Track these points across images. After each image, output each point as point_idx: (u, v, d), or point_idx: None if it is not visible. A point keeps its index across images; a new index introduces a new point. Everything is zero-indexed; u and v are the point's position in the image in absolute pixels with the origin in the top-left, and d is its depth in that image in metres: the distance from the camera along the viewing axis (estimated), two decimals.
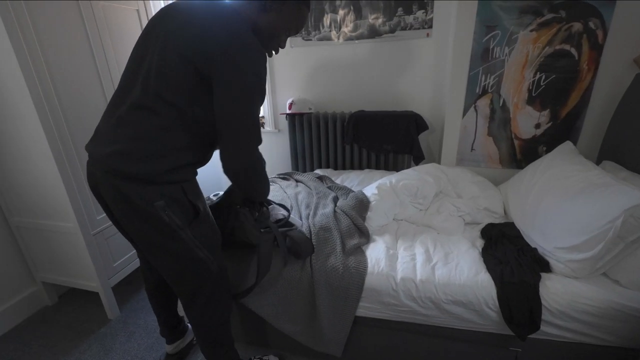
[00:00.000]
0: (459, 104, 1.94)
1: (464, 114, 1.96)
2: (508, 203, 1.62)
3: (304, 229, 1.44)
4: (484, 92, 1.89)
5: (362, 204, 1.58)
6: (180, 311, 1.46)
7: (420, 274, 1.22)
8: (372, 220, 1.53)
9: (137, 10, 1.88)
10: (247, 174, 1.04)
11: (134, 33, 1.84)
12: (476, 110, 1.94)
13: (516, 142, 1.94)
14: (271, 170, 2.66)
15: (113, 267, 1.78)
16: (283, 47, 1.08)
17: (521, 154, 1.96)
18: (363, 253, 1.35)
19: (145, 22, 1.90)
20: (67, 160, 1.50)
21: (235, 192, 1.28)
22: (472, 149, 2.03)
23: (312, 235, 1.38)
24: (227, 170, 1.01)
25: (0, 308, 1.72)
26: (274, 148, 2.61)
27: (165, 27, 0.93)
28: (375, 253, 1.34)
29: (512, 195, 1.62)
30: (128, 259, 1.86)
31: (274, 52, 1.08)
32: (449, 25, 1.99)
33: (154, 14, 1.13)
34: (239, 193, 1.28)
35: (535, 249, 1.28)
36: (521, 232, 1.42)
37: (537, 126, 1.88)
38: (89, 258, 1.63)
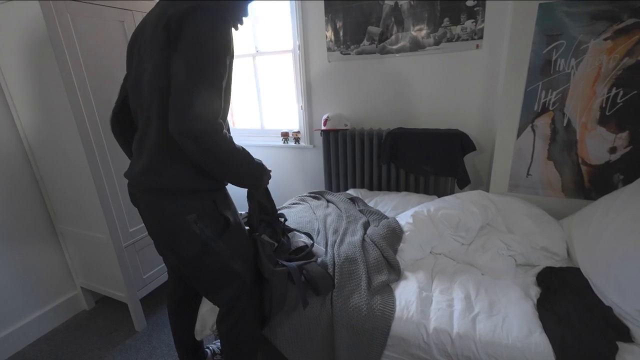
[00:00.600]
0: (513, 122, 1.71)
1: (518, 134, 1.72)
2: (573, 243, 1.36)
3: (328, 258, 1.33)
4: (544, 109, 1.65)
5: (395, 234, 1.42)
6: (198, 335, 1.41)
7: (457, 326, 1.04)
8: (405, 253, 1.37)
9: None
10: (200, 144, 0.84)
11: None
12: (534, 131, 1.70)
13: (584, 168, 1.66)
14: (304, 187, 2.61)
15: (143, 279, 1.80)
16: (246, 15, 1.03)
17: (590, 183, 1.66)
18: (391, 292, 1.20)
19: None
20: (105, 176, 1.56)
21: (252, 215, 1.21)
22: (528, 174, 1.77)
23: (336, 267, 1.26)
24: (174, 133, 0.84)
25: (43, 309, 1.83)
26: (308, 164, 2.54)
27: (144, 32, 0.94)
28: (406, 294, 1.18)
29: (579, 234, 1.35)
30: (158, 271, 1.89)
31: (239, 25, 1.03)
32: (503, 35, 1.78)
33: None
34: (257, 214, 1.21)
35: (609, 308, 1.04)
36: (590, 282, 1.16)
37: (612, 150, 1.59)
38: (119, 269, 1.67)
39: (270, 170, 1.14)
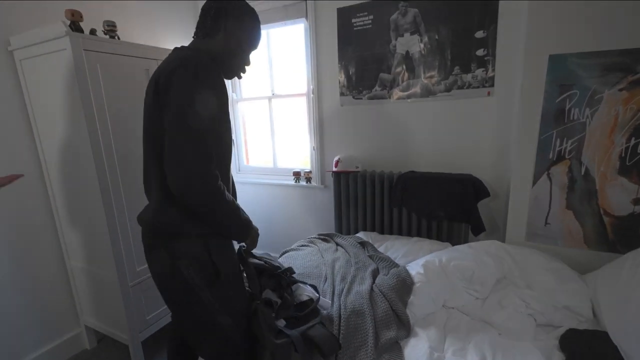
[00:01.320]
0: (528, 170, 1.68)
1: (534, 182, 1.68)
2: (599, 303, 1.26)
3: (334, 309, 1.27)
4: (560, 158, 1.61)
5: (405, 285, 1.36)
6: None
7: None
8: (416, 307, 1.30)
9: None
10: (197, 204, 0.91)
11: None
12: (550, 179, 1.65)
13: (606, 219, 1.58)
14: (314, 228, 2.58)
15: (146, 320, 1.77)
16: (249, 64, 1.11)
17: (614, 235, 1.57)
18: (400, 351, 1.12)
19: None
20: (117, 215, 1.59)
21: (252, 279, 1.18)
22: (546, 223, 1.70)
23: (342, 320, 1.20)
24: (179, 194, 0.89)
25: (48, 346, 1.80)
26: (318, 204, 2.53)
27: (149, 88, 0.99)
28: (416, 354, 1.10)
29: (605, 293, 1.26)
30: (162, 312, 1.85)
31: (242, 74, 1.11)
32: (514, 83, 1.79)
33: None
34: (256, 278, 1.18)
35: None
36: (620, 349, 1.06)
37: (637, 202, 1.51)
38: (123, 308, 1.64)
39: (257, 229, 1.12)
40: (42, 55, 1.49)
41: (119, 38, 1.63)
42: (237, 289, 1.08)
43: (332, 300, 1.35)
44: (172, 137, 0.87)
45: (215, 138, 0.94)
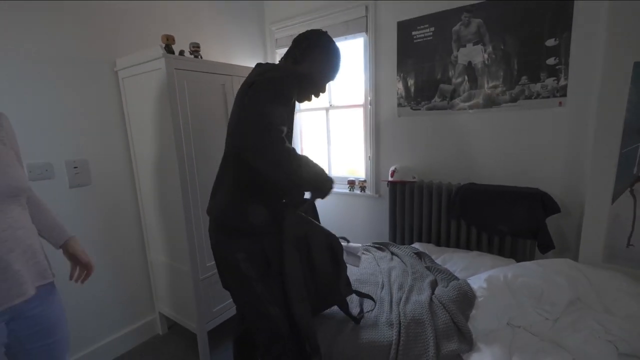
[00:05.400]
0: (606, 186, 1.55)
1: (614, 199, 1.55)
2: None
3: (394, 316, 1.29)
4: None
5: (466, 298, 1.33)
6: None
7: None
8: (478, 322, 1.26)
9: None
10: (263, 150, 0.96)
11: None
12: (634, 196, 1.51)
13: None
14: (367, 236, 2.60)
15: (212, 312, 1.93)
16: (324, 92, 1.26)
17: None
18: None
19: None
20: (193, 212, 1.77)
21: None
22: (628, 244, 1.55)
23: (402, 327, 1.22)
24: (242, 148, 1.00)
25: (127, 328, 2.04)
26: (372, 213, 2.56)
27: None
28: None
29: None
30: (226, 305, 2.00)
31: (313, 97, 1.26)
32: (590, 93, 1.68)
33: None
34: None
35: None
36: None
37: None
38: (193, 299, 1.81)
39: (332, 181, 1.10)
40: (140, 74, 1.74)
41: (201, 57, 1.84)
42: (286, 283, 1.15)
43: (391, 308, 1.37)
44: (244, 115, 1.02)
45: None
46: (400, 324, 1.23)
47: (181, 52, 1.75)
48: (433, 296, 1.40)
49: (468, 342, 1.19)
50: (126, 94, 1.87)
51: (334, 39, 1.22)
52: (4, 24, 1.47)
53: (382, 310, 1.36)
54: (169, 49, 1.65)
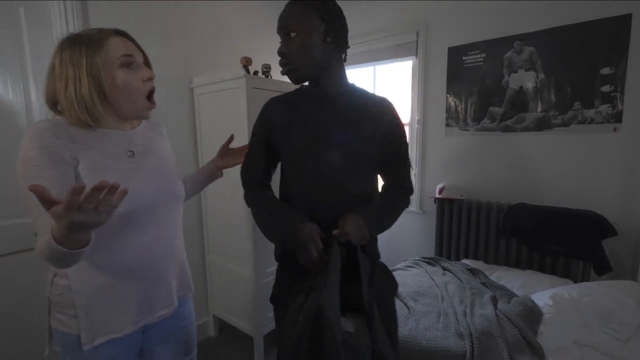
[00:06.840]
0: None
1: None
2: None
3: (462, 327, 1.35)
4: None
5: (532, 314, 1.39)
6: None
7: None
8: (546, 338, 1.31)
9: None
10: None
11: None
12: None
13: None
14: (410, 252, 2.66)
15: (268, 317, 2.01)
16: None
17: None
18: None
19: None
20: None
21: None
22: None
23: (473, 338, 1.28)
24: None
25: None
26: (415, 229, 2.62)
27: None
28: None
29: None
30: None
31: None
32: None
33: None
34: None
35: None
36: None
37: None
38: (253, 303, 1.91)
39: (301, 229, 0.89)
40: (216, 92, 1.90)
41: (271, 77, 2.00)
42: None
43: (457, 319, 1.43)
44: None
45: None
46: (471, 334, 1.29)
47: (255, 73, 1.90)
48: (497, 311, 1.45)
49: (540, 356, 1.24)
50: (200, 109, 2.04)
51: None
52: None
53: (448, 321, 1.42)
54: (247, 70, 1.81)
